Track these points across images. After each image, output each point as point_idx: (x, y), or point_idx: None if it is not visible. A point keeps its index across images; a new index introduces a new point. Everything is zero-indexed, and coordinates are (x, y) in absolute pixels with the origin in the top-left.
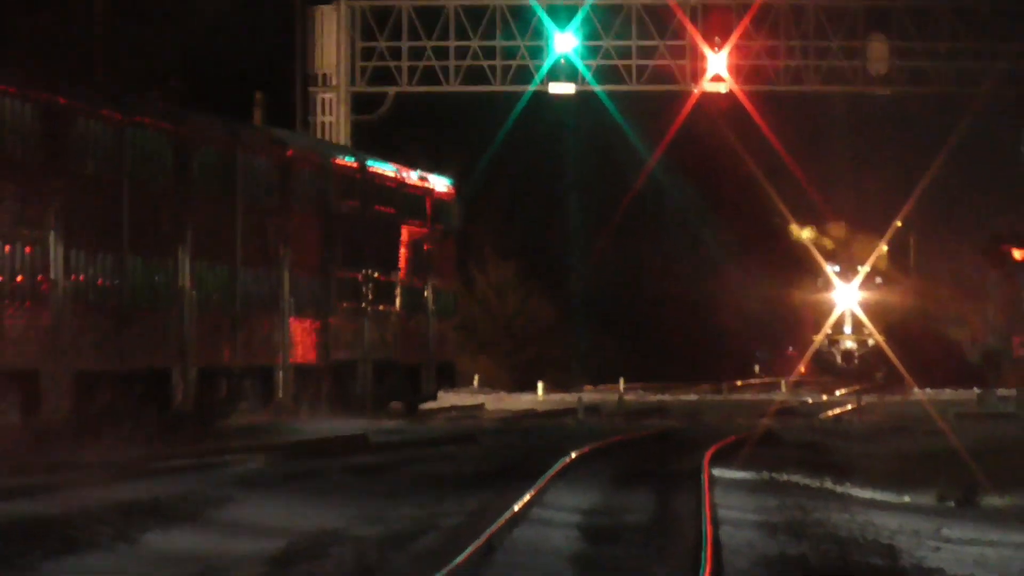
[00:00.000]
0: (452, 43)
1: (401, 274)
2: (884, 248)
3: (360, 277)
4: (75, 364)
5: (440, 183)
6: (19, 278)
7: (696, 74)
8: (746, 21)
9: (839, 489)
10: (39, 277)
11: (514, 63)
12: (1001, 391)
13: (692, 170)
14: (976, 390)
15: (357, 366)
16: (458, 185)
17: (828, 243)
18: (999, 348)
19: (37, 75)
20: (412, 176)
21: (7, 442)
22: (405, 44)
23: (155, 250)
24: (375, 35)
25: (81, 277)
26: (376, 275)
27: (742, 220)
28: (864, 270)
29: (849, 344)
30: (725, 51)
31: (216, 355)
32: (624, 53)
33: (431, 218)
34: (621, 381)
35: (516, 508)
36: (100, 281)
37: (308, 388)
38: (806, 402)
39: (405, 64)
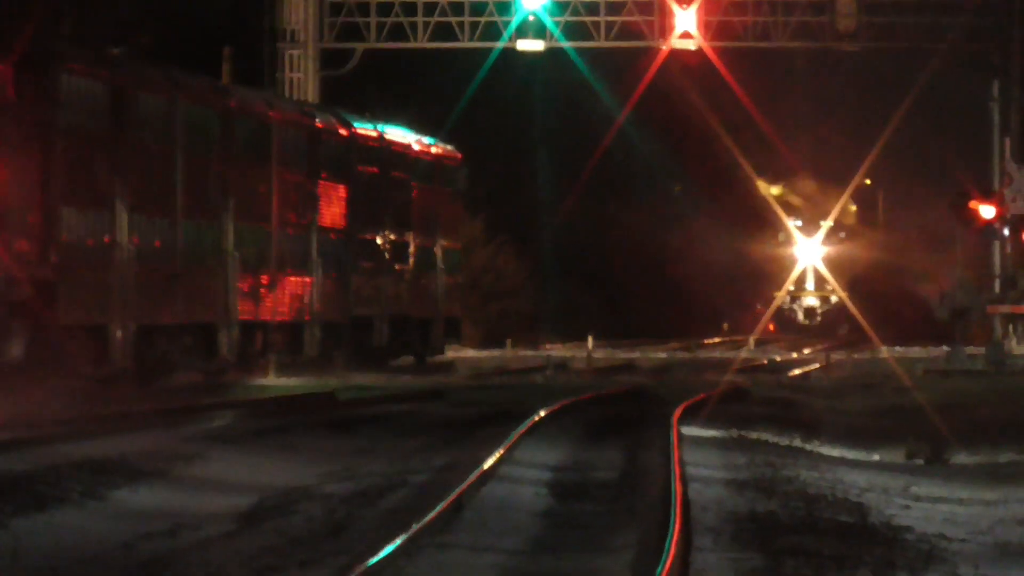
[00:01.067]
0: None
1: (414, 235)
2: (852, 207)
3: (378, 238)
4: (137, 319)
5: (448, 149)
6: (89, 241)
7: (665, 30)
8: None
9: (808, 447)
10: (106, 239)
11: (482, 19)
12: (969, 349)
13: (661, 126)
14: (944, 347)
15: (374, 322)
16: (464, 152)
17: (795, 200)
18: (967, 305)
19: (105, 55)
20: (424, 142)
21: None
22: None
23: (206, 214)
24: None
25: (140, 240)
26: (392, 236)
27: (709, 175)
28: (826, 224)
29: (811, 301)
30: (693, 7)
31: (254, 311)
32: (593, 9)
33: (440, 182)
34: (590, 338)
35: (485, 466)
36: (157, 243)
37: (332, 341)
38: (774, 360)
39: (373, 20)
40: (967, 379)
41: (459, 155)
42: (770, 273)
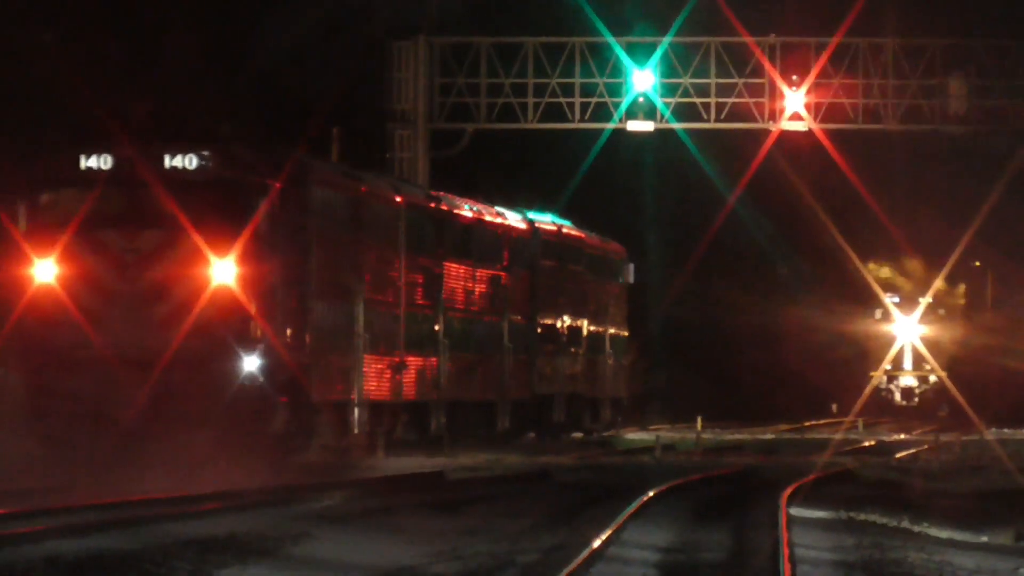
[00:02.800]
0: (530, 80)
1: (587, 321)
2: (961, 287)
3: (557, 324)
4: (370, 396)
5: (616, 245)
6: (333, 329)
7: (775, 112)
8: (824, 59)
9: (916, 528)
10: (355, 328)
11: (592, 100)
12: None
13: (770, 207)
14: None
15: (554, 400)
16: (628, 248)
17: (901, 280)
18: None
19: (346, 169)
20: (595, 237)
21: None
22: (483, 80)
23: (423, 307)
24: (453, 71)
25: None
26: (568, 322)
27: (816, 256)
28: (925, 301)
29: (908, 380)
30: (803, 89)
31: (463, 391)
32: (702, 91)
33: (608, 274)
34: (699, 419)
35: (594, 545)
36: (386, 331)
37: (517, 418)
38: (882, 441)
39: (483, 100)
40: None
41: (623, 250)
42: (869, 352)
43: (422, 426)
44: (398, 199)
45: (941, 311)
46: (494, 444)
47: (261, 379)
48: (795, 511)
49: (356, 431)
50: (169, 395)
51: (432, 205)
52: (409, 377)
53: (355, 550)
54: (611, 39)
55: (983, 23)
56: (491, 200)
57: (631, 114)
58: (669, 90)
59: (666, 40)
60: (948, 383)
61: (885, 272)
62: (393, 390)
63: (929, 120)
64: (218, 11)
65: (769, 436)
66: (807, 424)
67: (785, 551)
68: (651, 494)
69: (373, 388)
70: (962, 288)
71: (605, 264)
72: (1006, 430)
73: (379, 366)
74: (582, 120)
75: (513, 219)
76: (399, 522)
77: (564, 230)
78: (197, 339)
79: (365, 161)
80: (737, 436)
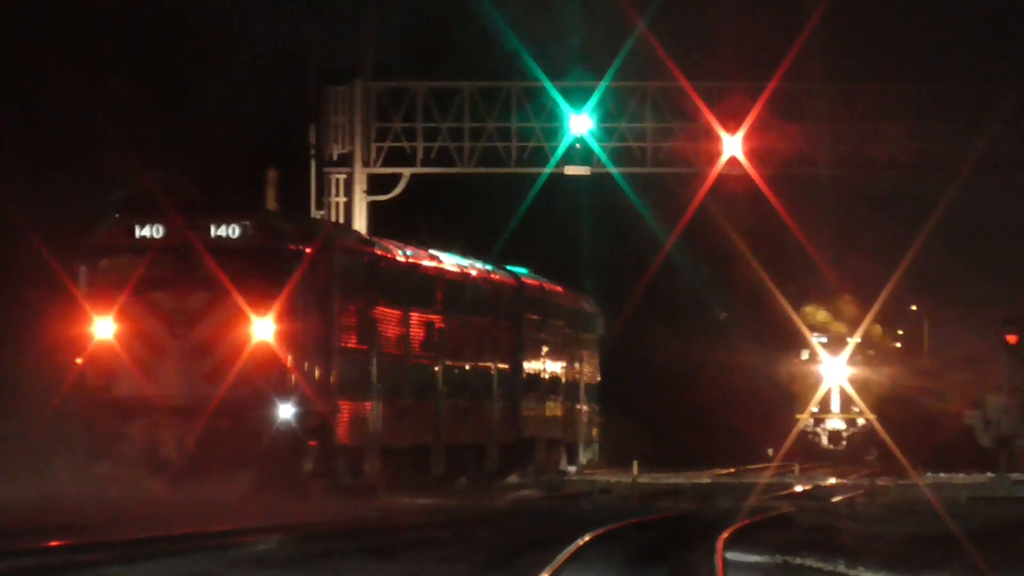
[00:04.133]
0: (467, 124)
1: (564, 371)
2: (879, 328)
3: (539, 373)
4: (382, 440)
5: (589, 300)
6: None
7: (711, 156)
8: (760, 104)
9: (852, 573)
10: (370, 379)
11: (529, 144)
12: (1015, 475)
13: (707, 251)
14: (989, 474)
15: (536, 443)
16: (600, 302)
17: (838, 326)
18: (1012, 432)
19: (360, 236)
20: (572, 293)
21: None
22: (420, 125)
23: (425, 357)
24: (390, 116)
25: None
26: (549, 371)
27: (751, 300)
28: (853, 341)
29: (836, 424)
30: (740, 134)
31: (456, 435)
32: (639, 135)
33: (583, 328)
34: (635, 464)
35: None
36: (395, 381)
37: (504, 460)
38: (819, 485)
39: (420, 145)
40: (1012, 506)
41: (597, 306)
42: (795, 394)
43: (424, 467)
44: (403, 260)
45: (871, 352)
46: (433, 489)
47: (295, 425)
48: (731, 555)
49: (370, 472)
50: (214, 439)
51: (433, 264)
52: (414, 422)
53: None
54: (547, 83)
55: (920, 67)
56: (426, 244)
57: (568, 158)
58: (606, 134)
59: (603, 84)
60: (877, 426)
61: (822, 315)
62: (401, 434)
63: (865, 165)
64: (155, 55)
65: (705, 480)
66: (744, 468)
67: None
68: (587, 538)
69: (385, 433)
70: (896, 331)
71: (580, 317)
72: (942, 474)
73: (389, 412)
74: (519, 164)
75: (501, 275)
76: (337, 566)
77: (546, 286)
78: (239, 389)
79: (300, 205)
80: (674, 480)
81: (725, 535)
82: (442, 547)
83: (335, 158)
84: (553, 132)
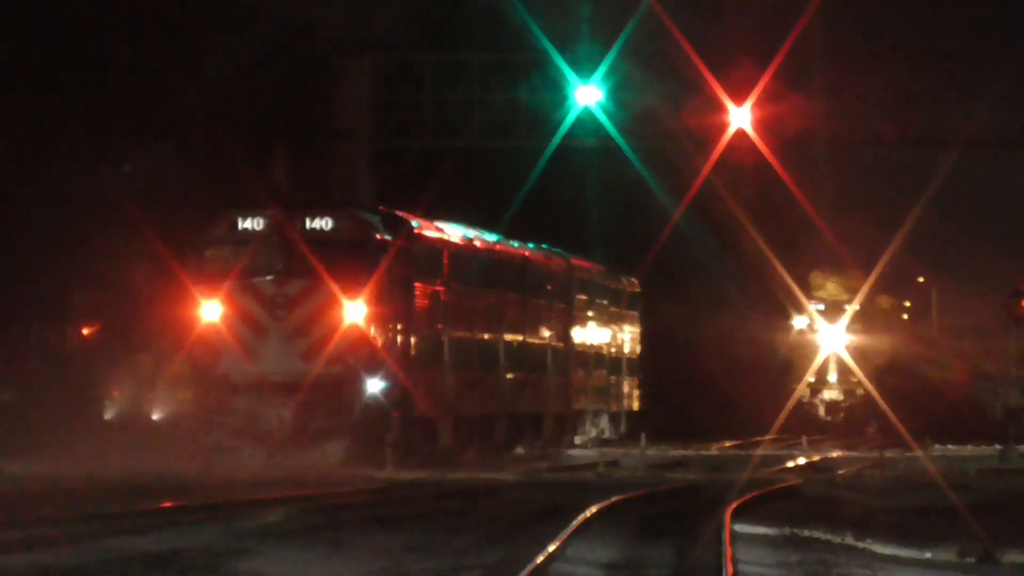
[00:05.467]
0: (475, 97)
1: (609, 346)
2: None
3: (587, 349)
4: (455, 410)
5: (632, 281)
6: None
7: (720, 127)
8: (769, 74)
9: (860, 544)
10: (442, 355)
11: (537, 116)
12: (1023, 448)
13: (715, 222)
14: (997, 446)
15: (586, 414)
16: (641, 280)
17: (841, 295)
18: (1020, 404)
19: (435, 224)
20: (616, 275)
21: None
22: (428, 98)
23: (489, 334)
24: (397, 89)
25: (454, 355)
26: (596, 347)
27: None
28: (852, 308)
29: (833, 394)
30: (748, 104)
31: (516, 405)
32: (646, 106)
33: (626, 305)
34: (643, 435)
35: (537, 561)
36: (465, 357)
37: (559, 430)
38: (827, 457)
39: (428, 117)
40: (1021, 478)
41: (638, 284)
42: (793, 363)
43: (489, 436)
44: (470, 245)
45: (870, 320)
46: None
47: (382, 398)
48: (739, 527)
49: (446, 440)
50: (310, 412)
51: (496, 248)
52: (480, 394)
53: (298, 566)
54: (556, 55)
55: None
56: (431, 216)
57: (575, 129)
58: (613, 105)
59: (610, 55)
60: (877, 397)
61: (830, 285)
62: (470, 405)
63: (871, 137)
64: (164, 29)
65: (714, 452)
66: (751, 440)
67: (729, 568)
68: (594, 510)
69: (456, 404)
70: (904, 303)
71: (623, 296)
72: (950, 446)
73: (460, 385)
74: (527, 136)
75: (555, 259)
76: (343, 538)
77: (594, 268)
78: (333, 366)
79: (308, 179)
80: (681, 452)
81: (733, 507)
82: (449, 518)
83: (343, 132)
84: (561, 104)
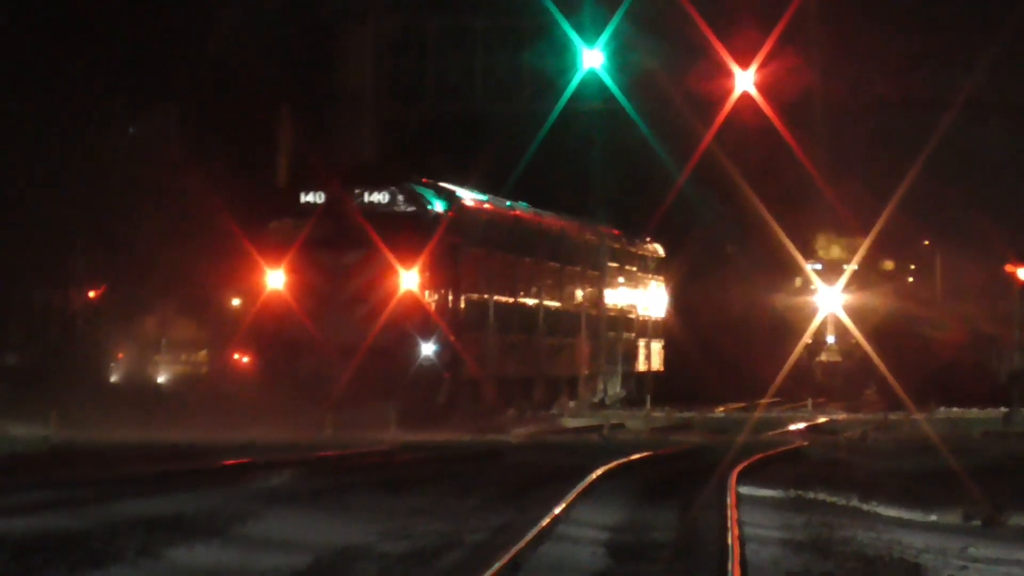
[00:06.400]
0: (479, 61)
1: (637, 311)
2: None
3: (617, 314)
4: (498, 372)
5: (656, 248)
6: (475, 321)
7: (725, 90)
8: (774, 38)
9: (865, 507)
10: (487, 320)
11: (541, 80)
12: None
13: (719, 186)
14: (1003, 409)
15: (616, 375)
16: (666, 248)
17: (841, 255)
18: None
19: (477, 195)
20: (643, 243)
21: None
22: (432, 63)
23: (528, 300)
24: (402, 53)
25: (498, 320)
26: (625, 312)
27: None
28: (850, 268)
29: (831, 357)
30: (752, 68)
31: (552, 368)
32: (651, 70)
33: (653, 271)
34: (648, 398)
35: (543, 524)
36: (505, 321)
37: (588, 390)
38: (832, 419)
39: (432, 81)
40: None
41: (662, 251)
42: (791, 324)
43: (528, 396)
44: (511, 214)
45: (869, 281)
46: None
47: (435, 360)
48: (744, 490)
49: (488, 400)
50: (367, 373)
51: (535, 218)
52: (521, 357)
53: (304, 529)
54: (560, 18)
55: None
56: (439, 178)
57: (580, 93)
58: (618, 69)
59: (615, 19)
60: (876, 359)
61: (834, 248)
62: (512, 367)
63: (875, 101)
64: None
65: (719, 414)
66: (757, 403)
67: (735, 530)
68: (600, 473)
69: (500, 366)
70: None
71: (650, 263)
72: (955, 409)
73: (503, 348)
74: (531, 99)
75: (588, 228)
76: (349, 501)
77: (624, 236)
78: (389, 331)
79: (313, 142)
80: (686, 414)
81: (738, 469)
82: (455, 480)
83: (348, 96)
84: (566, 68)
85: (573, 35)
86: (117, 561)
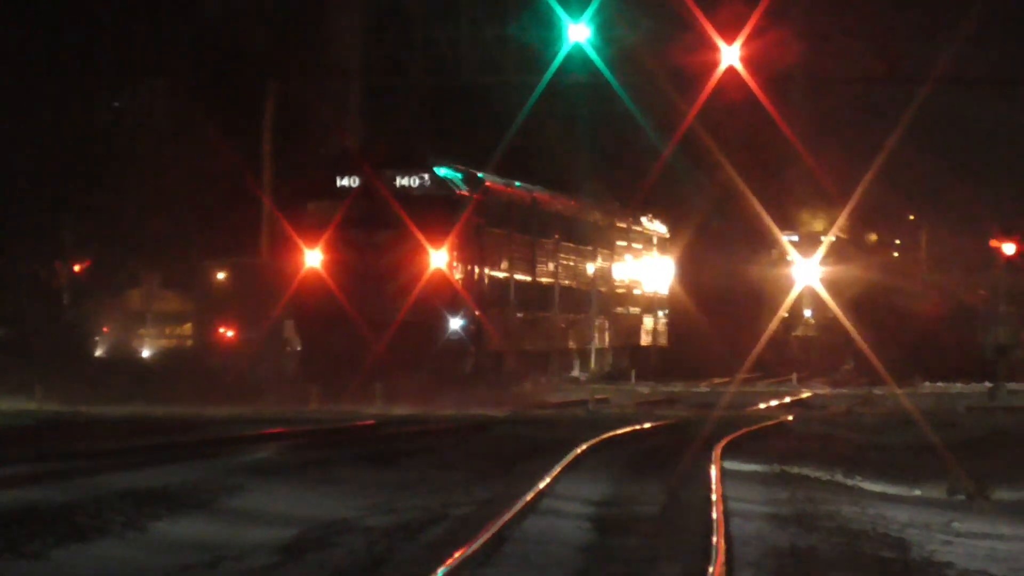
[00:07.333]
0: (465, 33)
1: (644, 288)
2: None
3: (626, 291)
4: (517, 346)
5: (662, 227)
6: (497, 297)
7: (710, 64)
8: (759, 11)
9: (849, 482)
10: (509, 297)
11: (527, 53)
12: (1012, 385)
13: (704, 160)
14: (987, 384)
15: (624, 349)
16: (671, 228)
17: (818, 226)
18: (1010, 342)
19: (499, 178)
20: (649, 223)
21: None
22: (419, 34)
23: (545, 279)
24: (389, 26)
25: (518, 296)
26: (633, 290)
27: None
28: (828, 240)
29: (807, 329)
30: (738, 42)
31: (567, 342)
32: (637, 44)
33: (659, 250)
34: (633, 372)
35: (527, 498)
36: (524, 298)
37: (599, 363)
38: (816, 395)
39: (419, 54)
40: (1009, 416)
41: (665, 229)
42: (767, 297)
43: (544, 369)
44: (530, 197)
45: (847, 253)
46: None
47: (462, 334)
48: (729, 464)
49: (510, 372)
50: (399, 347)
51: (552, 200)
52: (539, 331)
53: (290, 502)
54: None
55: None
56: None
57: (566, 66)
58: (604, 42)
59: None
60: (854, 333)
61: (816, 222)
62: (530, 341)
63: (862, 75)
64: None
65: (703, 389)
66: (742, 377)
67: (720, 505)
68: (584, 447)
69: (520, 340)
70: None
71: (655, 242)
72: (940, 383)
73: (522, 323)
74: (517, 73)
75: (599, 209)
76: (335, 474)
77: (632, 216)
78: (420, 306)
79: (300, 116)
80: (671, 389)
81: (723, 444)
82: (442, 454)
83: (334, 70)
84: (552, 41)
85: (558, 8)
86: (103, 534)
